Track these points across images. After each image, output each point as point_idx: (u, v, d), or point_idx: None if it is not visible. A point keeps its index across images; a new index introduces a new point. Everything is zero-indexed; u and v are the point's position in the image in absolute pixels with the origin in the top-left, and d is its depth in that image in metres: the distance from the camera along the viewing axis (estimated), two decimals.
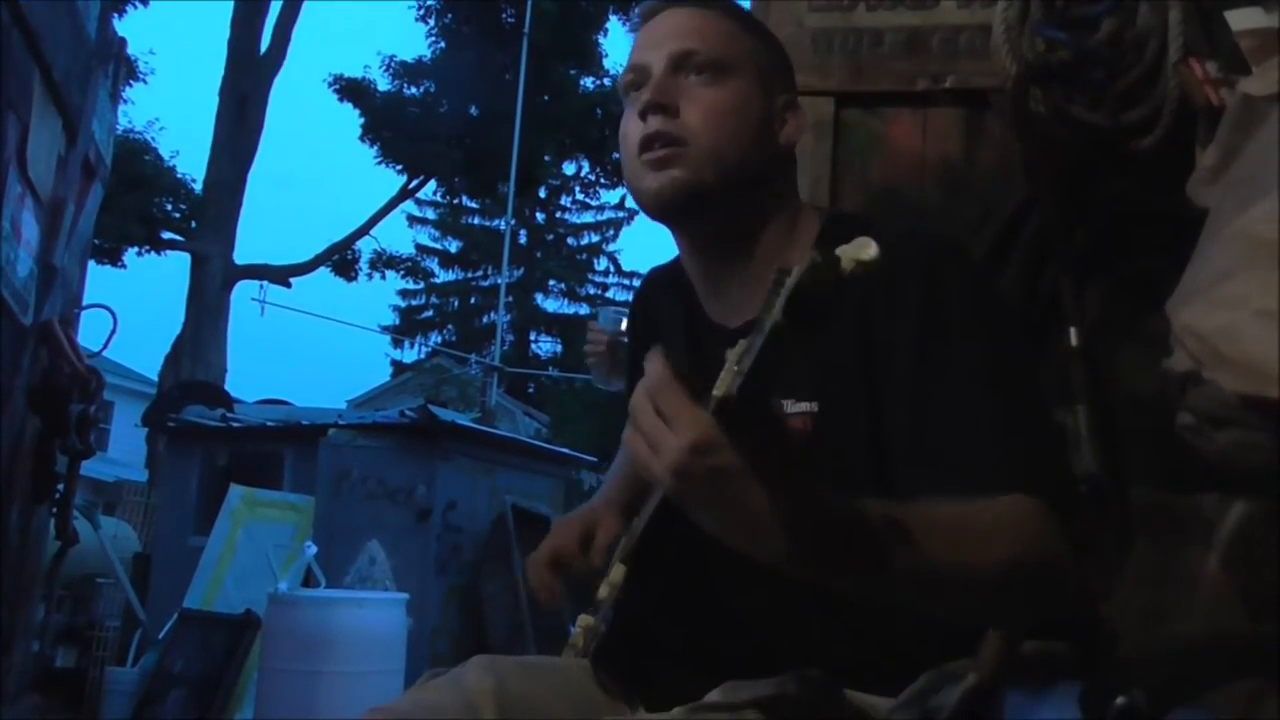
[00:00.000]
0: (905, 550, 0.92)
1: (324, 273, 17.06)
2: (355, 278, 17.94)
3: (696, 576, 1.17)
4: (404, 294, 26.67)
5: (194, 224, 14.59)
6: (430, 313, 27.19)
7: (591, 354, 2.64)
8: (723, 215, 1.22)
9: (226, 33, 14.20)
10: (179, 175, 15.50)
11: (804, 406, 1.14)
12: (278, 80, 14.50)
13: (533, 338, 27.31)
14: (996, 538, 0.98)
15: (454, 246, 27.10)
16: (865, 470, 1.10)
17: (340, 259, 17.37)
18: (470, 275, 27.08)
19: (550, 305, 27.30)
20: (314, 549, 5.16)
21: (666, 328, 1.35)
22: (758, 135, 1.24)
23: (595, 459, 8.14)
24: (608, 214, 20.37)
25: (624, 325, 2.45)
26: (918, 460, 1.07)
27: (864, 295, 1.10)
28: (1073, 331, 1.57)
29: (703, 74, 1.23)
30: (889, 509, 0.94)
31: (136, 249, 14.88)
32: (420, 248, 25.92)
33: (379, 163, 17.67)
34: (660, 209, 1.22)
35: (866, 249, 0.82)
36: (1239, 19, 1.41)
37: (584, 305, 25.83)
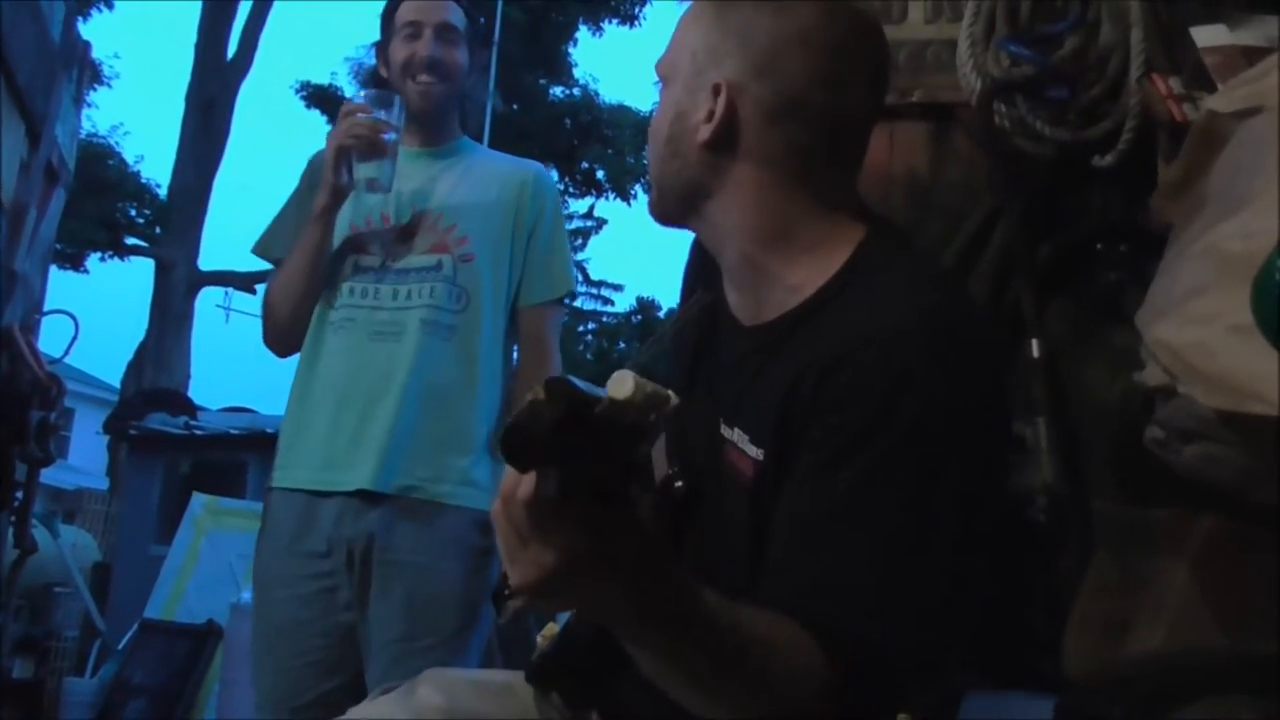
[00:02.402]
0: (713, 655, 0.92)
1: None
2: None
3: None
4: None
5: (158, 229, 14.45)
6: None
7: (357, 135, 1.98)
8: (700, 233, 1.19)
9: (193, 37, 14.09)
10: (143, 180, 15.34)
11: (753, 451, 1.08)
12: (245, 86, 14.41)
13: None
14: (770, 668, 0.94)
15: None
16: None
17: None
18: None
19: None
20: None
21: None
22: (680, 146, 1.14)
23: None
24: (576, 223, 20.27)
25: (394, 116, 2.04)
26: (773, 545, 1.03)
27: (839, 365, 1.02)
28: (1034, 343, 1.58)
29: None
30: (721, 611, 0.91)
31: (99, 254, 14.71)
32: None
33: None
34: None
35: (622, 386, 0.74)
36: (1204, 36, 1.42)
37: None
